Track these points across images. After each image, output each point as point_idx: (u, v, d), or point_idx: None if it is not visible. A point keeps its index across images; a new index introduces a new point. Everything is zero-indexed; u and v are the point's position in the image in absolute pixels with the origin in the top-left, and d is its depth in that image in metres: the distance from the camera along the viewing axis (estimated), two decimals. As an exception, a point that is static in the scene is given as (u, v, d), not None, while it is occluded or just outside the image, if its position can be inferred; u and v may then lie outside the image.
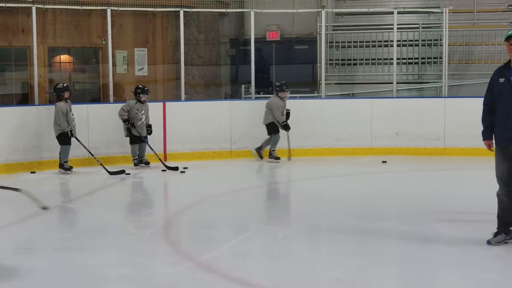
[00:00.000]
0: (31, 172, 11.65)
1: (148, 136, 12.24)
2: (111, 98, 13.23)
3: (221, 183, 11.12)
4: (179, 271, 6.04)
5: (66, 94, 11.61)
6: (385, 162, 12.48)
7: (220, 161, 12.98)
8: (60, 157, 11.64)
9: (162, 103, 13.17)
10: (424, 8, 16.90)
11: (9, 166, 11.62)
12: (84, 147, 11.80)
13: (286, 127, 12.79)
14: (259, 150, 12.93)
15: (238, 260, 6.43)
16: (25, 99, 13.76)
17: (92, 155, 11.83)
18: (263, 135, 13.01)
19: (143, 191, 11.02)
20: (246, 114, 13.48)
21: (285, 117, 12.84)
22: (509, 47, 6.22)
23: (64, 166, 11.58)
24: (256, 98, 14.38)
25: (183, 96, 13.81)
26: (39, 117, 11.99)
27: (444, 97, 13.99)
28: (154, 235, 7.47)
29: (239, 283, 5.71)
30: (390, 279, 5.89)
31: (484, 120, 6.60)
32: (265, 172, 12.34)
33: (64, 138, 11.58)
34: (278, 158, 12.73)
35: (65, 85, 11.78)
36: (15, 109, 12.58)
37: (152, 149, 12.15)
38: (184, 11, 13.81)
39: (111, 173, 11.43)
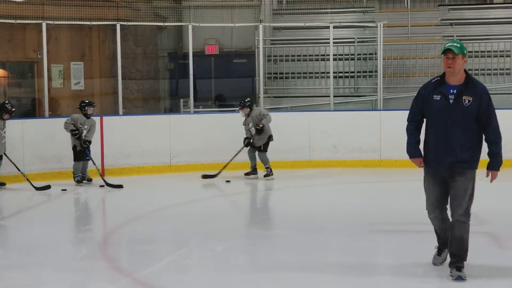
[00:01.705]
0: None
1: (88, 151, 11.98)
2: (47, 113, 13.03)
3: (160, 198, 11.06)
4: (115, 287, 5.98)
5: (6, 116, 11.35)
6: (229, 181, 12.24)
7: (159, 176, 12.91)
8: None
9: (99, 117, 13.03)
10: (360, 22, 17.18)
11: None
12: (12, 162, 11.46)
13: (244, 141, 12.60)
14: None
15: (176, 275, 6.40)
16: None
17: (19, 170, 11.49)
18: (203, 149, 13.04)
19: (80, 207, 10.87)
20: (185, 128, 13.46)
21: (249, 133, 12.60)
22: (446, 61, 5.74)
23: None
24: (195, 112, 14.37)
25: (121, 110, 13.70)
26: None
27: (380, 109, 14.24)
28: (91, 252, 7.38)
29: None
30: (327, 291, 5.94)
31: (412, 136, 6.03)
32: (202, 187, 12.30)
33: None
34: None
35: (12, 108, 11.48)
36: None
37: (95, 165, 11.96)
38: (121, 25, 13.71)
39: (37, 188, 11.24)
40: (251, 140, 12.48)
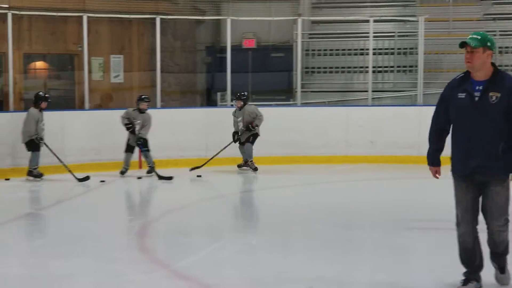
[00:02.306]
0: (6, 179, 11.55)
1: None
2: (87, 105, 13.17)
3: (196, 190, 11.11)
4: (153, 278, 6.02)
5: (44, 104, 11.49)
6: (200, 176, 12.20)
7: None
8: (29, 164, 11.49)
9: (137, 110, 13.15)
10: (400, 16, 17.04)
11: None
12: (54, 153, 11.63)
13: (233, 136, 12.67)
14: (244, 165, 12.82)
15: (212, 267, 6.43)
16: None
17: (62, 162, 11.67)
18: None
19: (119, 198, 10.96)
20: (221, 121, 13.48)
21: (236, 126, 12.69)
22: (465, 56, 5.14)
23: (33, 173, 11.45)
24: (232, 105, 14.39)
25: (159, 103, 13.78)
26: (14, 124, 11.88)
27: (419, 105, 14.11)
28: (129, 243, 7.45)
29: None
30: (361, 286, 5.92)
31: (434, 142, 5.43)
32: (239, 180, 12.33)
33: (33, 145, 11.45)
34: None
35: (46, 95, 11.65)
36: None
37: (146, 159, 12.06)
38: (160, 18, 13.80)
39: (79, 179, 11.37)
40: (240, 134, 12.57)
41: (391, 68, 16.31)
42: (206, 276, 6.05)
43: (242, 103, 12.59)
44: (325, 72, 16.54)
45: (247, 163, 12.57)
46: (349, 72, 16.45)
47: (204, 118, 13.45)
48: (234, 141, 12.57)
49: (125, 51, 15.17)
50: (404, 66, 16.32)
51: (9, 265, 6.53)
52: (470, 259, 5.36)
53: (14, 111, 12.51)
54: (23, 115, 11.92)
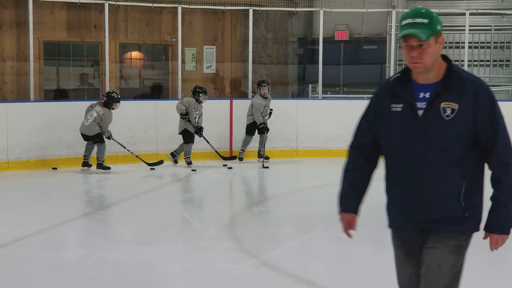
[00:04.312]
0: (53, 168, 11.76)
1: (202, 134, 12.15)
2: (179, 95, 13.38)
3: (286, 182, 11.13)
4: (243, 268, 6.08)
5: (115, 106, 11.65)
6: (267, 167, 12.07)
7: (285, 160, 12.97)
8: (98, 156, 11.50)
9: (229, 100, 13.27)
10: (497, 9, 16.57)
11: (79, 160, 11.80)
12: (121, 145, 11.77)
13: (262, 130, 12.49)
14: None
15: (301, 259, 6.44)
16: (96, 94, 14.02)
17: (132, 153, 11.83)
18: (329, 134, 12.99)
19: (206, 188, 10.99)
20: (312, 113, 13.45)
21: (266, 117, 12.54)
22: (408, 52, 3.21)
23: (103, 166, 11.54)
24: (323, 98, 14.34)
25: (249, 94, 13.87)
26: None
27: (516, 100, 13.72)
28: (219, 232, 7.53)
29: (301, 282, 5.71)
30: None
31: (349, 176, 3.59)
32: (327, 172, 12.26)
33: (102, 137, 11.60)
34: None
35: (119, 96, 11.80)
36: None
37: (212, 146, 12.24)
38: (253, 10, 13.88)
39: (149, 164, 11.66)
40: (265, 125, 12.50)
41: (487, 62, 15.89)
42: (294, 267, 6.06)
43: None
44: (418, 65, 16.25)
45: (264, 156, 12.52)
46: (443, 65, 16.11)
47: (295, 109, 13.42)
48: (265, 132, 12.52)
49: (218, 42, 15.30)
50: (501, 61, 15.87)
51: (103, 250, 6.71)
52: None
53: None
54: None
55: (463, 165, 3.24)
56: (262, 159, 12.38)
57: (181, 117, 11.95)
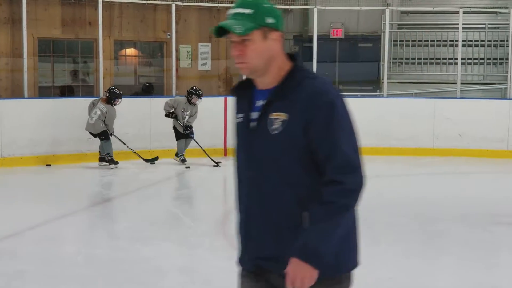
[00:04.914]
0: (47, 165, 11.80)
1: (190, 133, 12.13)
2: (174, 92, 13.40)
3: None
4: (234, 265, 6.09)
5: (118, 102, 11.70)
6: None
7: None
8: (100, 151, 11.64)
9: (223, 97, 13.29)
10: (491, 8, 16.60)
11: (73, 157, 11.83)
12: (122, 141, 11.84)
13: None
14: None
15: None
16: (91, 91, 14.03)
17: (131, 150, 11.91)
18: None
19: (200, 185, 11.06)
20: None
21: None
22: (234, 50, 2.65)
23: (106, 159, 11.57)
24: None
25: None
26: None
27: (509, 98, 13.75)
28: (211, 229, 7.56)
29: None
30: (443, 282, 5.83)
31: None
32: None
33: (107, 134, 11.64)
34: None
35: (121, 92, 11.84)
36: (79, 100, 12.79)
37: (199, 145, 12.21)
38: (248, 7, 13.85)
39: (146, 160, 11.75)
40: None
41: (481, 60, 15.93)
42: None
43: None
44: (413, 63, 16.29)
45: None
46: (437, 63, 16.15)
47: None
48: None
49: (213, 39, 15.31)
50: (495, 59, 15.91)
51: (95, 247, 6.73)
52: None
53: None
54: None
55: (301, 191, 2.60)
56: None
57: (167, 115, 12.03)
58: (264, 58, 2.62)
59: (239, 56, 2.61)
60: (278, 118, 2.59)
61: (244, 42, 2.60)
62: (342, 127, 2.58)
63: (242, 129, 2.73)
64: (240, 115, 2.74)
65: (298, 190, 2.61)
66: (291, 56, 2.70)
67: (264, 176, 2.64)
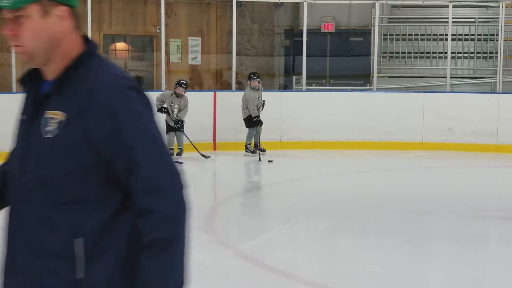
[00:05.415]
0: None
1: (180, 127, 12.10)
2: (163, 87, 13.37)
3: (270, 173, 11.15)
4: (215, 259, 6.10)
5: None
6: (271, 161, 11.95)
7: (268, 152, 12.99)
8: None
9: (213, 92, 13.27)
10: (481, 2, 16.61)
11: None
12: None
13: (256, 123, 12.44)
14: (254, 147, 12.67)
15: (277, 250, 6.46)
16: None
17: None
18: (312, 126, 13.01)
19: (190, 179, 11.05)
20: (297, 105, 13.47)
21: (259, 110, 12.50)
22: (8, 30, 2.01)
23: None
24: (307, 89, 14.36)
25: (233, 86, 13.87)
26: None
27: (499, 92, 13.77)
28: (198, 223, 7.53)
29: (274, 272, 5.74)
30: (430, 275, 5.84)
31: None
32: (313, 163, 12.31)
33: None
34: (254, 152, 12.39)
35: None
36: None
37: (188, 139, 12.17)
38: (237, 1, 13.86)
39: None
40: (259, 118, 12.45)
41: (471, 54, 15.95)
42: (268, 258, 6.09)
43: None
44: (403, 57, 16.30)
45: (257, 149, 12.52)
46: (427, 57, 16.17)
47: (279, 102, 13.43)
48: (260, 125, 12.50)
49: (203, 33, 15.30)
50: (484, 53, 15.93)
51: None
52: None
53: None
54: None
55: (82, 211, 1.98)
56: (248, 152, 12.43)
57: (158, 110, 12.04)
58: (44, 39, 2.01)
59: (12, 37, 2.01)
60: (55, 117, 1.99)
61: (19, 20, 1.99)
62: (139, 133, 1.99)
63: (20, 129, 2.14)
64: (24, 112, 2.14)
65: (77, 211, 1.98)
66: (87, 41, 2.12)
67: (36, 190, 2.01)
